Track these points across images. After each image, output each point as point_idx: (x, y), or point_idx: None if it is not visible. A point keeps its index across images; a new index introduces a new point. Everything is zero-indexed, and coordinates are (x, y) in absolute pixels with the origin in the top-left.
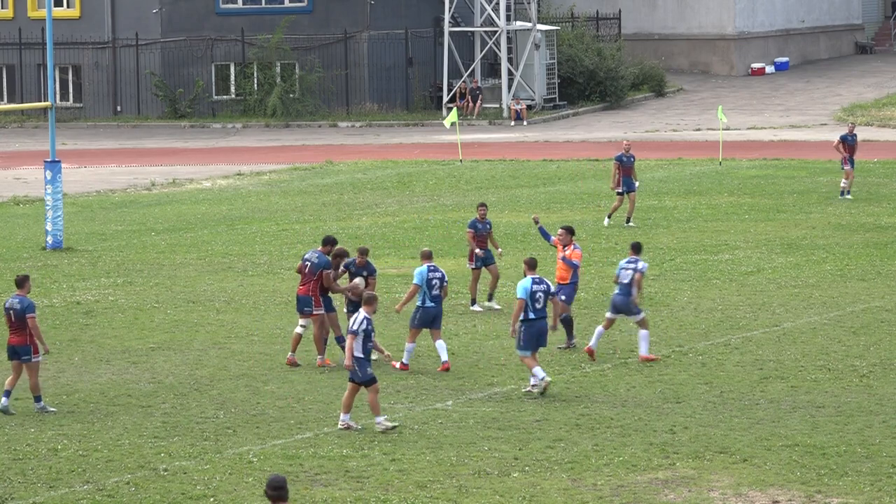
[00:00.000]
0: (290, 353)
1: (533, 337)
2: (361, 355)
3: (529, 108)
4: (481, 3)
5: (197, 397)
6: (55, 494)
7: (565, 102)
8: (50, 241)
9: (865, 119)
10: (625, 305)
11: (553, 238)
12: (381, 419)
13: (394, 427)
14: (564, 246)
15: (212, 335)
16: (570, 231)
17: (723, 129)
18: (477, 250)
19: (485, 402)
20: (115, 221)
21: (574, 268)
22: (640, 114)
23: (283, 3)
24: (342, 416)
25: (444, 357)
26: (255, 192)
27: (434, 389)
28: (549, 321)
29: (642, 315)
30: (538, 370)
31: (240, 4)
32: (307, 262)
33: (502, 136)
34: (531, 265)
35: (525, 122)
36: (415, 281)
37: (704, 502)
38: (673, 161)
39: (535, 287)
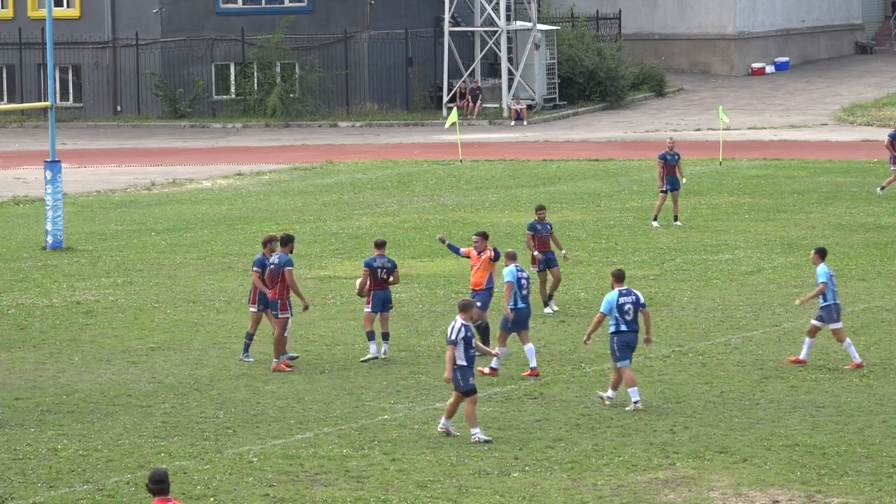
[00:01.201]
0: (274, 361)
1: (626, 345)
2: (465, 363)
3: (529, 107)
4: (481, 3)
5: (197, 397)
6: (55, 494)
7: (565, 102)
8: (50, 241)
9: (865, 119)
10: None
11: (463, 249)
12: (476, 431)
13: (487, 440)
14: (480, 252)
15: (212, 335)
16: (484, 236)
17: (723, 130)
18: (536, 252)
19: (485, 402)
20: (115, 221)
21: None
22: (640, 114)
23: (283, 2)
24: (443, 421)
25: (534, 363)
26: (255, 192)
27: (434, 389)
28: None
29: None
30: (635, 391)
31: (240, 4)
32: (271, 265)
33: (502, 136)
34: (619, 277)
35: (525, 122)
36: (507, 279)
37: (704, 502)
38: None
39: (623, 299)
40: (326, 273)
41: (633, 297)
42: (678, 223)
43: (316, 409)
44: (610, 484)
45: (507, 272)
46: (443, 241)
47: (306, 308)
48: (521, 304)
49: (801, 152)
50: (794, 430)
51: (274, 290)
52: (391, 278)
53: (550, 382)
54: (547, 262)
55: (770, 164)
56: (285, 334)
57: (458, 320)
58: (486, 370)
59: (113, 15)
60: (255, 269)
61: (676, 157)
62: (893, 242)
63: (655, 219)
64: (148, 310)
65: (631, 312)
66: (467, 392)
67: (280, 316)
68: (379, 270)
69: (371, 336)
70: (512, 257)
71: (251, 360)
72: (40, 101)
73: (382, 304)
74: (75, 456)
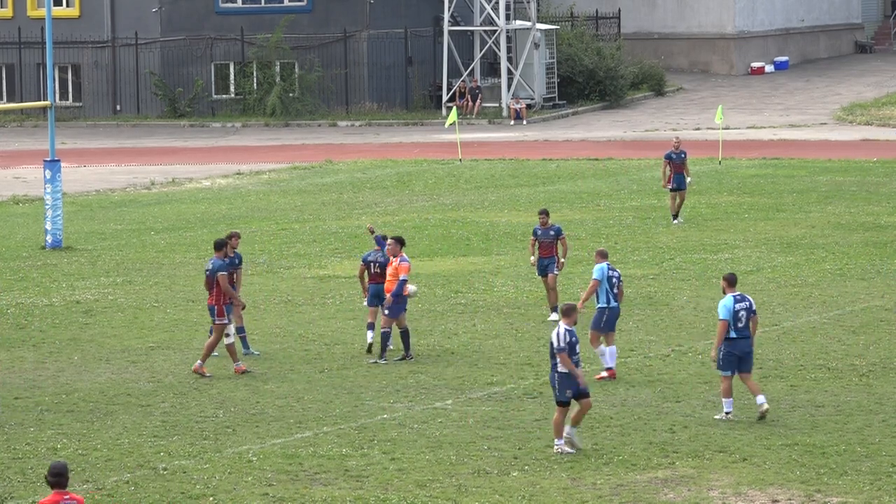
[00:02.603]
0: (235, 364)
1: (734, 357)
2: (566, 370)
3: (529, 107)
4: (481, 3)
5: (196, 396)
6: None
7: (565, 102)
8: (49, 241)
9: (865, 118)
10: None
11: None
12: (560, 442)
13: (575, 451)
14: (394, 256)
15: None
16: (400, 242)
17: (721, 129)
18: (532, 258)
19: (484, 402)
20: (115, 220)
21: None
22: (639, 113)
23: (282, 2)
24: (557, 441)
25: (612, 363)
26: (254, 192)
27: (433, 389)
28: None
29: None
30: (728, 403)
31: (239, 4)
32: (206, 272)
33: (502, 136)
34: (731, 282)
35: (524, 122)
36: (595, 276)
37: (704, 501)
38: None
39: (738, 305)
40: (326, 272)
41: (747, 304)
42: (679, 221)
43: (315, 408)
44: (609, 483)
45: (597, 270)
46: (372, 232)
47: (243, 307)
48: (612, 303)
49: (801, 152)
50: (794, 429)
51: (211, 297)
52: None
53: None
54: (543, 269)
55: (769, 164)
56: (234, 338)
57: (562, 326)
58: (604, 374)
59: (112, 14)
60: (222, 273)
61: (683, 155)
62: (893, 241)
63: (675, 217)
64: (147, 309)
65: (743, 319)
66: (559, 403)
67: (217, 322)
68: (372, 265)
69: (370, 326)
70: (603, 255)
71: (257, 353)
72: (40, 100)
73: (377, 298)
74: (75, 455)
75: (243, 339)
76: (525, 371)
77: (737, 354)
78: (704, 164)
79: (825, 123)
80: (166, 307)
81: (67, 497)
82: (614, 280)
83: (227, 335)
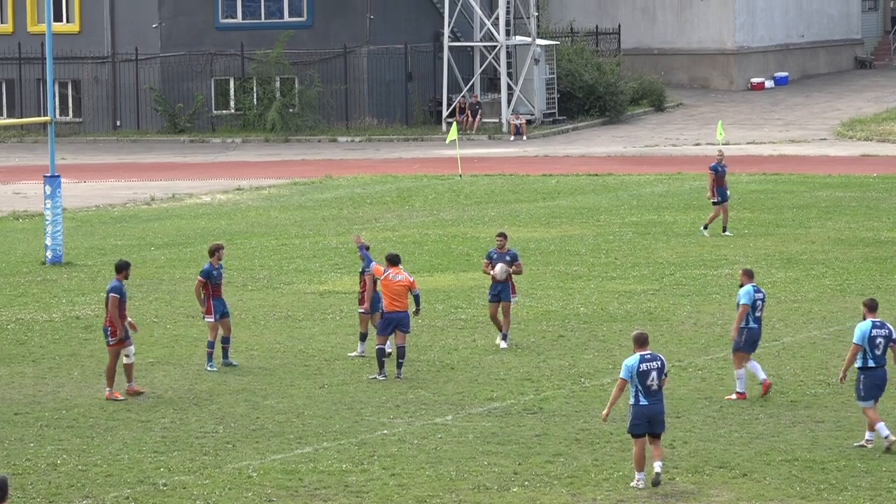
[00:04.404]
0: (127, 384)
1: (875, 386)
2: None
3: (529, 122)
4: (481, 18)
5: (196, 412)
6: None
7: (565, 117)
8: (49, 256)
9: (865, 134)
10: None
11: (374, 265)
12: (640, 476)
13: (655, 482)
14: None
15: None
16: (390, 261)
17: (721, 145)
18: (491, 276)
19: (484, 417)
20: (115, 236)
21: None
22: (639, 128)
23: (282, 17)
24: (637, 475)
25: (763, 375)
26: (254, 207)
27: (433, 404)
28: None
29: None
30: (882, 426)
31: (239, 19)
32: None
33: (502, 151)
34: (872, 307)
35: (524, 137)
36: (742, 301)
37: None
38: (672, 175)
39: (875, 332)
40: (326, 288)
41: (887, 331)
42: (728, 233)
43: (315, 423)
44: (609, 499)
45: (744, 293)
46: (363, 247)
47: (132, 328)
48: (752, 324)
49: (801, 167)
50: (794, 444)
51: (106, 318)
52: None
53: (550, 397)
54: (498, 295)
55: (769, 179)
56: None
57: (637, 354)
58: (734, 396)
59: (112, 30)
60: (199, 278)
61: (725, 168)
62: (893, 257)
63: (706, 227)
64: (147, 325)
65: (881, 347)
66: (632, 434)
67: (111, 343)
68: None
69: (363, 337)
70: (749, 275)
71: (236, 363)
72: (40, 115)
73: (374, 306)
74: (74, 471)
75: (225, 350)
76: (525, 387)
77: (876, 383)
78: (705, 179)
79: (825, 139)
80: (166, 323)
81: None
82: (758, 302)
83: (127, 356)
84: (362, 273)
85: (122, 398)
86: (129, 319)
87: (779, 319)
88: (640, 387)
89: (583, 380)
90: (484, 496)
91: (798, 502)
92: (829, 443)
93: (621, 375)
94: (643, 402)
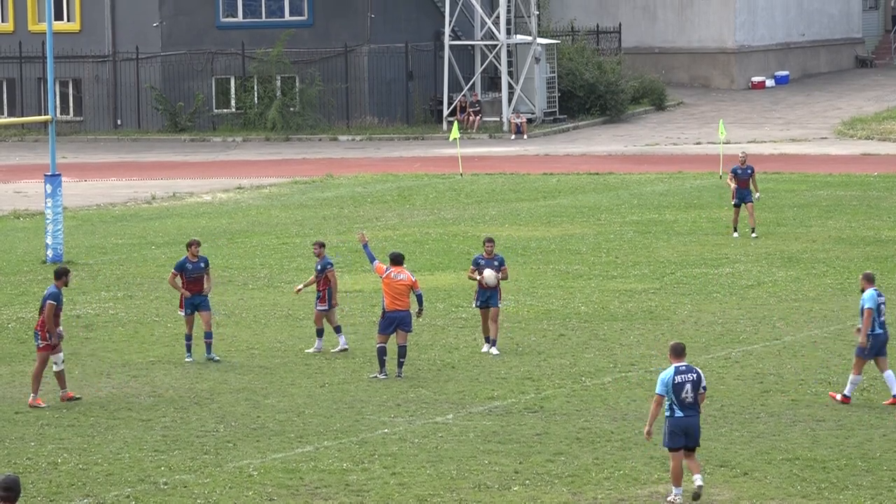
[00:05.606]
0: (61, 391)
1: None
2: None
3: (530, 121)
4: (481, 17)
5: (197, 411)
6: None
7: (565, 116)
8: (50, 255)
9: (866, 133)
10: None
11: (376, 263)
12: (678, 491)
13: (696, 496)
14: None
15: (212, 348)
16: (394, 260)
17: (722, 143)
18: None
19: (485, 416)
20: (116, 235)
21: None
22: (640, 127)
23: (283, 16)
24: (674, 490)
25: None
26: (255, 206)
27: (434, 403)
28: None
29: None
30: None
31: (240, 18)
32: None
33: (502, 150)
34: (870, 279)
35: (525, 136)
36: (867, 305)
37: None
38: (673, 174)
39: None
40: None
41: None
42: (755, 235)
43: (316, 422)
44: (610, 498)
45: (868, 297)
46: (366, 245)
47: (61, 337)
48: (878, 330)
49: (802, 166)
50: (795, 443)
51: (38, 322)
52: None
53: (550, 396)
54: (487, 301)
55: (770, 178)
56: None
57: (672, 366)
58: (839, 397)
59: (113, 29)
60: (172, 271)
61: (749, 171)
62: (894, 256)
63: (735, 230)
64: (148, 323)
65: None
66: (668, 448)
67: (40, 347)
68: None
69: (319, 333)
70: (870, 280)
71: (218, 358)
72: (40, 114)
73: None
74: (75, 470)
75: (207, 345)
76: (526, 385)
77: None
78: (705, 178)
79: (826, 138)
80: (167, 321)
81: None
82: (882, 307)
83: (56, 363)
84: (322, 271)
85: (44, 405)
86: (61, 329)
87: (779, 318)
88: (674, 399)
89: (584, 379)
90: (485, 495)
91: (799, 501)
92: (830, 442)
93: (657, 391)
94: (678, 413)
